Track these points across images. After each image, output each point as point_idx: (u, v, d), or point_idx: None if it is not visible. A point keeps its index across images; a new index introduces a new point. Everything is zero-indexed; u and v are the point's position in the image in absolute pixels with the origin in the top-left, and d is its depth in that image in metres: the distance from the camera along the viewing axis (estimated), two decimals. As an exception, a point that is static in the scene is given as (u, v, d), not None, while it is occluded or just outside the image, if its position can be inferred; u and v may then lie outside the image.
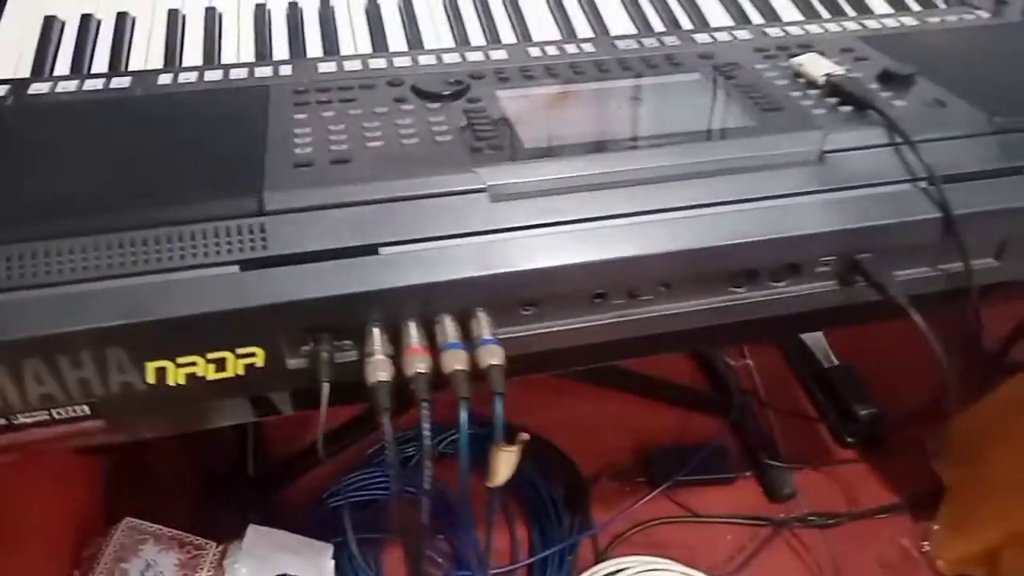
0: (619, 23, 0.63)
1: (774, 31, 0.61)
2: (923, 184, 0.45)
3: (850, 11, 0.66)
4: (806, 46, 0.57)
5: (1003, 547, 0.89)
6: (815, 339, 1.15)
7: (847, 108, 0.49)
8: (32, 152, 0.44)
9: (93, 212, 0.39)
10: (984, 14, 0.65)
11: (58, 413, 0.38)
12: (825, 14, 0.65)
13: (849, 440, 1.08)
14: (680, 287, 0.44)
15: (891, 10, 0.67)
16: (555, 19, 0.63)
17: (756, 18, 0.65)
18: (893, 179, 0.45)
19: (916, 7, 0.67)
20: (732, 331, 0.46)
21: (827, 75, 0.51)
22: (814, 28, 0.62)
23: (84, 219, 0.39)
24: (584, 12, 0.64)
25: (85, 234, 0.38)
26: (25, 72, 0.53)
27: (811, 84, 0.51)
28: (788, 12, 0.66)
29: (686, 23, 0.63)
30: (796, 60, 0.53)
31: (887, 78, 0.52)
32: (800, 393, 1.15)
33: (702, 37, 0.60)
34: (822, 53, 0.54)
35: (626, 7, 0.65)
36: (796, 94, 0.50)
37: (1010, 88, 0.52)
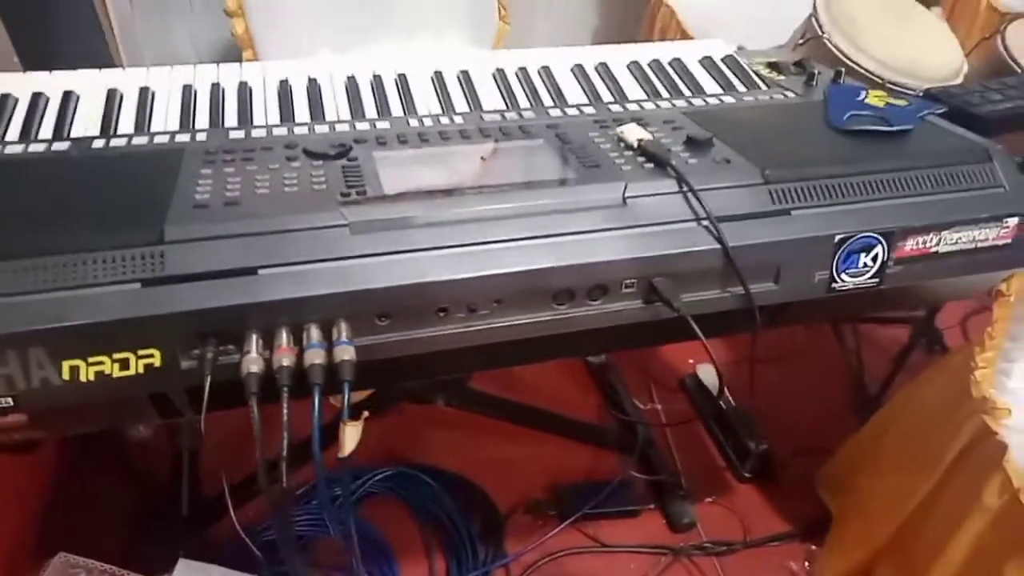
0: (491, 101, 0.76)
1: (617, 108, 0.75)
2: (705, 222, 0.57)
3: (685, 91, 0.80)
4: (638, 119, 0.70)
5: (874, 564, 0.99)
6: (712, 382, 1.27)
7: (651, 165, 0.61)
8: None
9: (24, 240, 0.49)
10: (792, 94, 0.79)
11: (-17, 404, 0.47)
12: (664, 94, 0.79)
13: (745, 474, 1.18)
14: (511, 303, 0.55)
15: (720, 90, 0.81)
16: (438, 97, 0.76)
17: (607, 97, 0.78)
18: (681, 219, 0.58)
19: (741, 88, 0.82)
20: (556, 343, 0.57)
21: (639, 139, 0.64)
22: (650, 105, 0.75)
23: (17, 245, 0.48)
24: (463, 91, 0.77)
25: (16, 257, 0.48)
26: (-20, 138, 0.63)
27: (628, 147, 0.64)
28: (634, 92, 0.80)
29: (547, 101, 0.77)
30: (619, 128, 0.66)
31: (690, 142, 0.65)
32: (702, 432, 1.26)
33: (555, 112, 0.73)
34: (642, 123, 0.67)
35: (499, 89, 0.78)
36: (614, 154, 0.63)
37: (786, 151, 0.65)
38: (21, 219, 0.51)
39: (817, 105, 0.77)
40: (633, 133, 0.65)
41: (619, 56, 0.86)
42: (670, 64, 0.85)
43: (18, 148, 0.62)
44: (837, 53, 1.08)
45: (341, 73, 0.78)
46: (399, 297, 0.51)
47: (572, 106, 0.75)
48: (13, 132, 0.65)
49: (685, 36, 1.48)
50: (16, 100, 0.69)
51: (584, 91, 0.79)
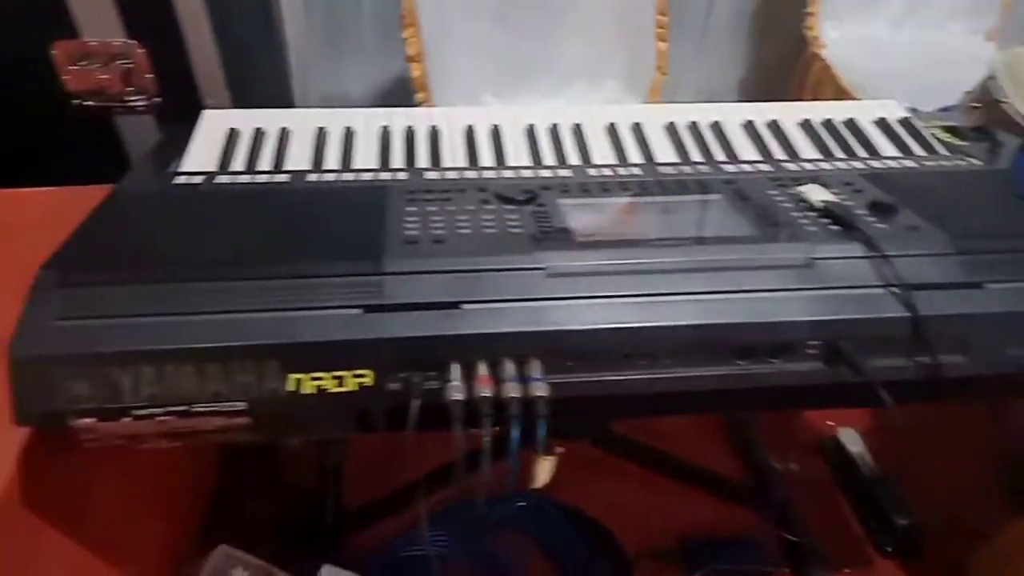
0: (664, 154, 0.79)
1: (792, 167, 0.75)
2: (895, 290, 0.57)
3: (861, 152, 0.80)
4: (814, 178, 0.70)
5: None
6: (857, 447, 1.21)
7: (836, 227, 0.61)
8: (218, 222, 0.62)
9: (262, 264, 0.55)
10: (977, 162, 0.77)
11: (222, 407, 0.53)
12: (839, 154, 0.79)
13: (887, 549, 1.12)
14: (693, 355, 0.56)
15: (898, 154, 0.80)
16: (613, 148, 0.79)
17: (780, 155, 0.79)
18: (869, 283, 0.57)
19: (920, 152, 0.80)
20: (731, 397, 0.58)
21: (823, 201, 0.64)
22: (826, 166, 0.76)
23: (255, 268, 0.55)
24: (637, 143, 0.80)
25: (256, 279, 0.54)
26: (213, 166, 0.72)
27: (810, 207, 0.64)
28: (808, 151, 0.80)
29: (720, 156, 0.78)
30: (800, 188, 0.67)
31: (874, 206, 0.64)
32: (840, 499, 1.20)
33: (730, 168, 0.75)
34: (823, 184, 0.68)
35: (672, 143, 0.81)
36: (796, 214, 0.63)
37: (976, 221, 0.64)
38: (259, 243, 0.58)
39: (1003, 173, 0.74)
40: (815, 194, 0.65)
41: (790, 114, 0.86)
42: (844, 124, 0.84)
43: (246, 178, 0.69)
44: (1020, 120, 1.04)
45: (521, 122, 0.83)
46: (588, 341, 0.54)
47: (746, 162, 0.76)
48: (239, 163, 0.73)
49: (841, 92, 1.46)
50: (240, 134, 0.77)
51: (756, 148, 0.80)
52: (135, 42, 0.92)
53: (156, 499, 0.89)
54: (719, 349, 0.56)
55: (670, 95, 1.45)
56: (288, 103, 1.59)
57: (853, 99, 1.40)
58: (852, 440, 1.22)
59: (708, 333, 0.55)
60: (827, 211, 0.63)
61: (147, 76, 0.95)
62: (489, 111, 0.84)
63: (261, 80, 1.27)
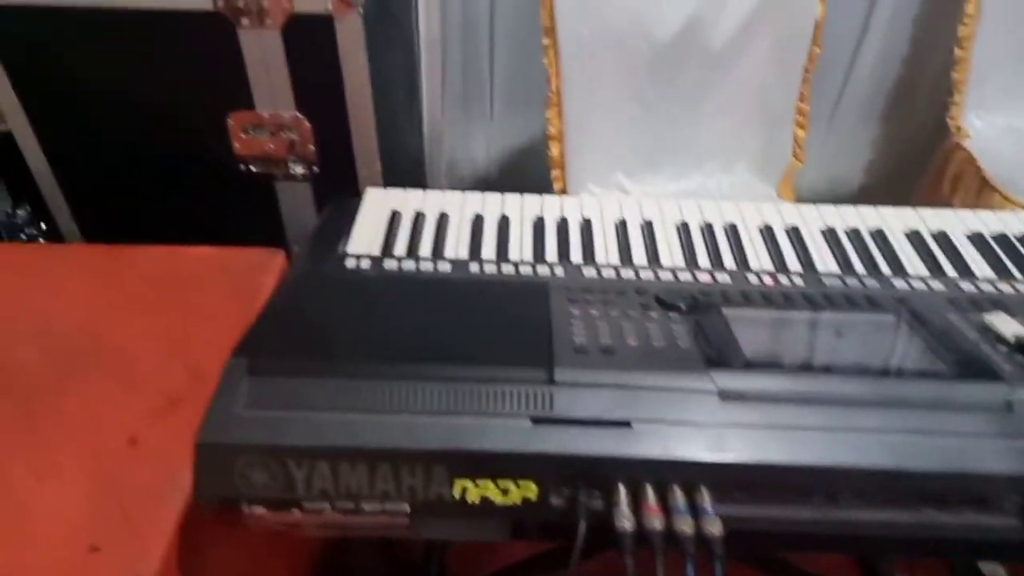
0: (824, 260, 0.76)
1: (966, 285, 0.71)
2: (1107, 446, 0.52)
3: (1044, 274, 0.74)
4: (997, 303, 0.66)
5: None
6: (992, 569, 1.11)
7: (1035, 368, 0.57)
8: (389, 312, 0.63)
9: (434, 363, 0.56)
10: None
11: (387, 506, 0.53)
12: (1018, 275, 0.74)
13: None
14: (875, 497, 0.53)
15: (1087, 277, 0.74)
16: (769, 253, 0.77)
17: (950, 271, 0.75)
18: (1077, 436, 0.52)
19: (1113, 276, 0.74)
20: (916, 545, 0.54)
21: (1016, 336, 0.60)
22: (1005, 287, 0.71)
23: (428, 367, 0.55)
24: (794, 248, 0.78)
25: (429, 379, 0.55)
26: (377, 250, 0.74)
27: (1000, 340, 0.60)
28: (980, 268, 0.75)
29: (884, 268, 0.75)
30: (987, 318, 0.62)
31: (1075, 345, 0.59)
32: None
33: (899, 283, 0.71)
34: (1012, 314, 0.63)
35: (831, 247, 0.78)
36: (985, 347, 0.59)
37: None
38: (430, 338, 0.59)
39: None
40: (1006, 325, 0.61)
41: (957, 224, 0.82)
42: (1021, 241, 0.79)
43: (411, 265, 0.71)
44: None
45: (673, 218, 0.82)
46: (764, 475, 0.52)
47: (915, 277, 0.73)
48: (401, 247, 0.76)
49: (985, 185, 1.39)
50: (401, 217, 0.80)
51: (923, 260, 0.76)
52: (303, 116, 0.97)
53: (270, 566, 0.90)
54: (906, 495, 0.52)
55: (796, 176, 1.41)
56: (421, 165, 1.65)
57: (1000, 193, 1.32)
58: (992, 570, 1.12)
59: (896, 478, 0.51)
60: (1021, 347, 0.59)
61: (310, 147, 1.00)
62: (642, 204, 0.84)
63: (403, 144, 1.32)
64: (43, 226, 1.08)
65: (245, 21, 0.89)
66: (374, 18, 0.94)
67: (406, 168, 1.33)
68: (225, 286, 0.90)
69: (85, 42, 0.90)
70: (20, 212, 1.06)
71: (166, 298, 0.88)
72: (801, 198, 1.36)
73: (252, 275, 0.91)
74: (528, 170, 1.80)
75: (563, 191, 1.21)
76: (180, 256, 0.93)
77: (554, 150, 1.17)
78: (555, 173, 1.20)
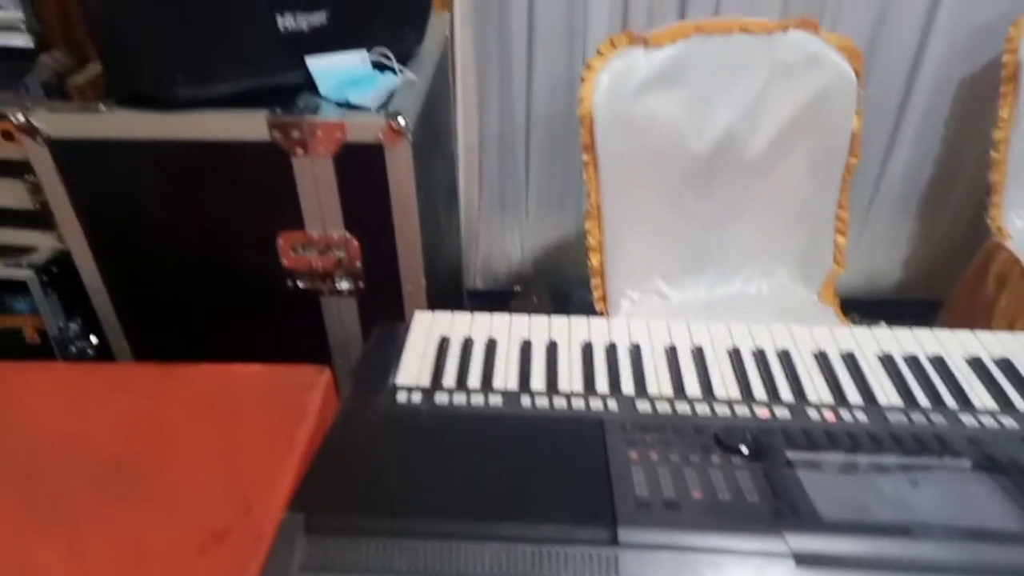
0: (885, 392, 0.74)
1: (1039, 421, 0.68)
2: None
3: (1118, 407, 0.71)
4: (1075, 444, 0.63)
5: None
6: None
7: None
8: (443, 457, 0.62)
9: (492, 519, 0.54)
10: None
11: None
12: (1092, 408, 0.71)
13: None
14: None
15: None
16: (827, 383, 0.75)
17: (1020, 404, 0.72)
18: None
19: None
20: None
21: (1103, 488, 0.57)
22: (1081, 424, 0.68)
23: (486, 525, 0.54)
24: (852, 378, 0.76)
25: (487, 538, 0.53)
26: (427, 381, 0.74)
27: (1086, 493, 0.57)
28: (1051, 400, 0.72)
29: (950, 402, 0.72)
30: (1069, 465, 0.60)
31: None
32: None
33: (967, 419, 0.69)
34: (1095, 461, 0.60)
35: (890, 377, 0.76)
36: (1072, 502, 0.56)
37: None
38: (487, 488, 0.58)
39: None
40: (1090, 476, 0.58)
41: (1020, 348, 0.80)
42: (1093, 369, 0.77)
43: (462, 398, 0.71)
44: None
45: (723, 343, 0.81)
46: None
47: (983, 412, 0.70)
48: (451, 377, 0.75)
49: (1033, 287, 1.36)
50: (449, 344, 0.80)
51: (990, 393, 0.74)
52: (351, 235, 0.99)
53: None
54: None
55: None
56: (458, 264, 1.67)
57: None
58: None
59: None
60: (1111, 502, 0.56)
61: (357, 264, 1.01)
62: (691, 328, 0.83)
63: (442, 246, 1.34)
64: (93, 340, 1.10)
65: (299, 151, 0.92)
66: (421, 142, 0.97)
67: (445, 268, 1.35)
68: (272, 405, 0.90)
69: (147, 170, 0.94)
70: (72, 325, 1.08)
71: (214, 419, 0.88)
72: (839, 294, 1.35)
73: (298, 393, 0.91)
74: (561, 266, 1.82)
75: (602, 299, 1.21)
76: (228, 375, 0.93)
77: (594, 260, 1.18)
78: (595, 281, 1.20)
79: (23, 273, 1.02)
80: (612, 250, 1.19)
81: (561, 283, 1.79)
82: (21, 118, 0.89)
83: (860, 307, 1.74)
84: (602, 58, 1.10)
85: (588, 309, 1.26)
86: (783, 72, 1.16)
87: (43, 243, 1.06)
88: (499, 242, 1.76)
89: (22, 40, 1.12)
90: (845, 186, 1.24)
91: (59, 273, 1.05)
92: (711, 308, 1.25)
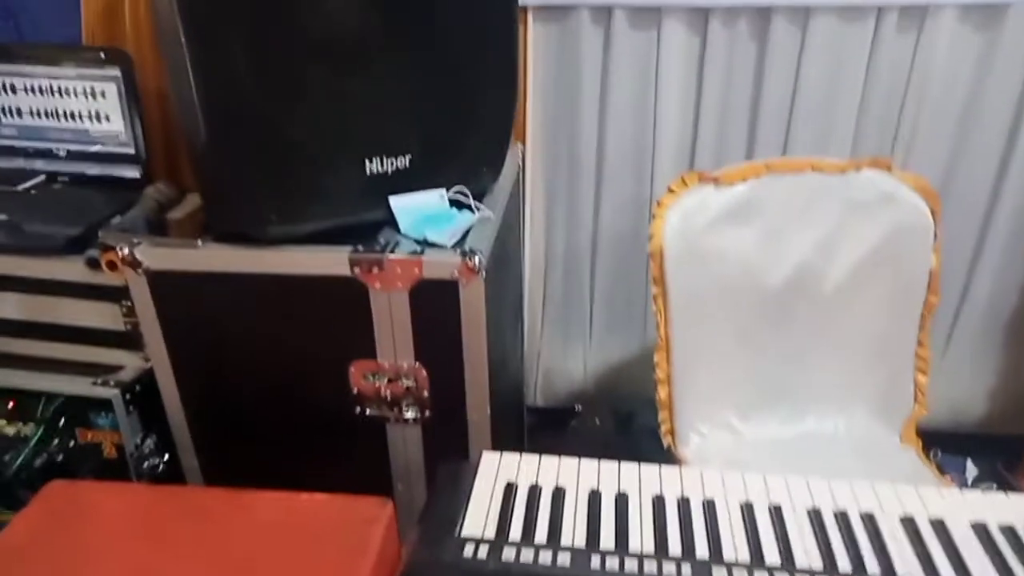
0: (982, 570, 0.68)
1: None
2: None
3: None
4: None
5: None
6: None
7: None
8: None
9: None
10: None
11: None
12: None
13: None
14: None
15: None
16: (916, 554, 0.70)
17: None
18: None
19: None
20: None
21: None
22: None
23: None
24: (944, 550, 0.71)
25: None
26: (493, 532, 0.72)
27: None
28: None
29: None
30: None
31: None
32: None
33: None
34: None
35: (988, 554, 0.70)
36: None
37: None
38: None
39: None
40: None
41: None
42: None
43: (530, 555, 0.69)
44: None
45: (802, 502, 0.77)
46: None
47: (1098, 603, 0.64)
48: (517, 528, 0.74)
49: None
50: (516, 491, 0.79)
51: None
52: (421, 365, 1.01)
53: None
54: None
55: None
56: (519, 378, 1.67)
57: None
58: None
59: None
60: None
61: (425, 393, 1.03)
62: (768, 482, 0.80)
63: (506, 364, 1.35)
64: (166, 456, 1.13)
65: (378, 285, 0.95)
66: (493, 275, 1.00)
67: (506, 384, 1.35)
68: (336, 537, 0.90)
69: (233, 300, 0.99)
70: (148, 442, 1.11)
71: (278, 549, 0.88)
72: (920, 430, 1.28)
73: (362, 527, 0.91)
74: (624, 386, 1.79)
75: (670, 432, 1.19)
76: (293, 504, 0.94)
77: (662, 393, 1.16)
78: (663, 415, 1.18)
79: (110, 392, 1.06)
80: (681, 383, 1.17)
81: (623, 404, 1.76)
82: (127, 252, 0.95)
83: (944, 441, 1.65)
84: (673, 195, 1.12)
85: (651, 434, 1.23)
86: (857, 210, 1.15)
87: (130, 362, 1.11)
88: (561, 360, 1.76)
89: (132, 171, 1.23)
90: (925, 324, 1.20)
91: (141, 391, 1.09)
92: (786, 447, 1.21)
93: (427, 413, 1.05)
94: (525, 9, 1.37)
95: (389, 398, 1.04)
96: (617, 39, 1.39)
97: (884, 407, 1.25)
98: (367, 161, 0.97)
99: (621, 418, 1.76)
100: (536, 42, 1.43)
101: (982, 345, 1.65)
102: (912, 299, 1.19)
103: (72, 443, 1.11)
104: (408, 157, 1.00)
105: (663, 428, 1.19)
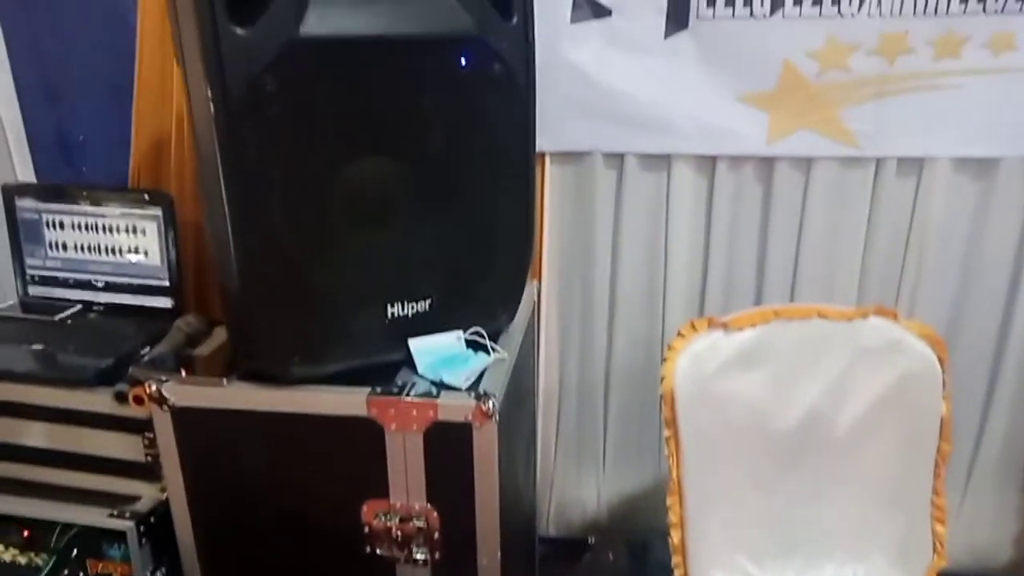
0: None
1: None
2: None
3: None
4: None
5: None
6: None
7: None
8: None
9: None
10: None
11: None
12: None
13: None
14: None
15: None
16: None
17: None
18: None
19: None
20: None
21: None
22: None
23: None
24: None
25: None
26: None
27: None
28: None
29: None
30: None
31: None
32: None
33: None
34: None
35: None
36: None
37: None
38: None
39: None
40: None
41: None
42: None
43: None
44: None
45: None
46: None
47: None
48: None
49: None
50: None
51: None
52: (433, 507, 1.01)
53: None
54: None
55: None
56: (532, 507, 1.65)
57: None
58: None
59: None
60: None
61: (436, 535, 1.02)
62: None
63: (519, 492, 1.34)
64: (175, 590, 1.12)
65: (393, 426, 0.97)
66: (507, 416, 1.02)
67: (518, 513, 1.33)
68: None
69: (252, 437, 1.02)
70: (158, 575, 1.11)
71: None
72: (943, 572, 1.24)
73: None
74: (638, 517, 1.75)
75: (684, 577, 1.16)
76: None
77: (675, 537, 1.15)
78: (676, 560, 1.16)
79: (125, 525, 1.07)
80: (694, 526, 1.16)
81: (638, 535, 1.72)
82: (155, 389, 0.99)
83: (968, 588, 1.59)
84: (683, 339, 1.15)
85: (665, 569, 1.20)
86: (865, 356, 1.18)
87: (147, 492, 1.13)
88: (574, 490, 1.74)
89: (165, 302, 1.28)
90: (940, 472, 1.19)
91: (155, 523, 1.10)
92: (802, 596, 1.18)
93: (437, 555, 1.04)
94: (543, 154, 1.46)
95: (400, 538, 1.04)
96: (629, 182, 1.47)
97: (902, 556, 1.22)
98: (389, 306, 1.01)
99: (636, 549, 1.72)
100: (553, 183, 1.51)
101: (1002, 489, 1.62)
102: (925, 446, 1.19)
103: (81, 575, 1.11)
104: (428, 301, 1.04)
105: (676, 573, 1.17)
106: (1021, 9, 1.27)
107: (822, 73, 1.33)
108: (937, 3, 1.27)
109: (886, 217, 1.42)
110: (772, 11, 1.30)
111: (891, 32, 1.29)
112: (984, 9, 1.27)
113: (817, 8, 1.29)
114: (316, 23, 0.87)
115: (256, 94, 0.86)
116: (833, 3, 1.29)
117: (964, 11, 1.28)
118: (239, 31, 0.83)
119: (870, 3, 1.28)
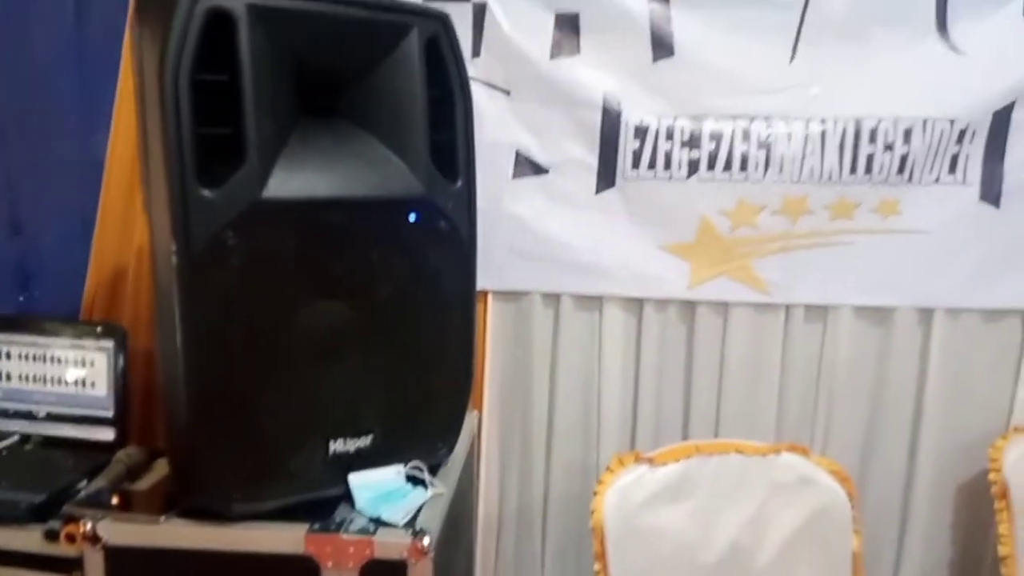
0: None
1: None
2: None
3: None
4: None
5: None
6: None
7: None
8: None
9: None
10: None
11: None
12: None
13: None
14: None
15: None
16: None
17: None
18: None
19: None
20: None
21: None
22: None
23: None
24: None
25: None
26: None
27: None
28: None
29: None
30: None
31: None
32: None
33: None
34: None
35: None
36: None
37: None
38: None
39: None
40: None
41: None
42: None
43: None
44: None
45: None
46: None
47: None
48: None
49: None
50: None
51: None
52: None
53: None
54: None
55: None
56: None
57: None
58: None
59: None
60: None
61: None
62: None
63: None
64: None
65: (330, 564, 0.99)
66: (443, 553, 1.05)
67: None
68: None
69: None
70: None
71: None
72: None
73: None
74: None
75: None
76: None
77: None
78: None
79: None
80: None
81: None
82: (89, 527, 0.99)
83: None
84: (611, 474, 1.22)
85: None
86: (779, 491, 1.26)
87: (71, 631, 1.09)
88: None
89: (107, 434, 1.29)
90: (855, 605, 1.25)
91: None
92: None
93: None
94: (486, 292, 1.57)
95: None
96: (564, 320, 1.58)
97: None
98: (331, 442, 1.06)
99: None
100: (495, 318, 1.60)
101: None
102: (840, 579, 1.25)
103: None
104: (370, 436, 1.09)
105: None
106: (902, 180, 1.46)
107: (734, 229, 1.49)
108: (831, 172, 1.46)
109: (798, 359, 1.55)
110: (689, 174, 1.47)
111: (793, 196, 1.47)
112: (871, 180, 1.46)
113: (728, 173, 1.47)
114: (278, 186, 0.96)
115: (218, 248, 0.94)
116: (741, 169, 1.46)
117: (854, 180, 1.47)
118: (206, 193, 0.92)
119: (773, 170, 1.46)
